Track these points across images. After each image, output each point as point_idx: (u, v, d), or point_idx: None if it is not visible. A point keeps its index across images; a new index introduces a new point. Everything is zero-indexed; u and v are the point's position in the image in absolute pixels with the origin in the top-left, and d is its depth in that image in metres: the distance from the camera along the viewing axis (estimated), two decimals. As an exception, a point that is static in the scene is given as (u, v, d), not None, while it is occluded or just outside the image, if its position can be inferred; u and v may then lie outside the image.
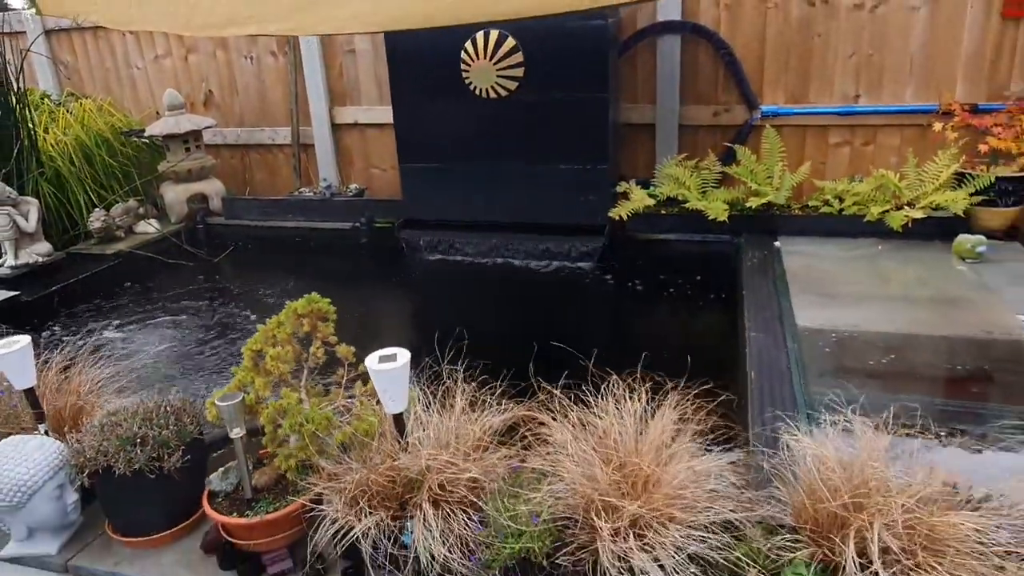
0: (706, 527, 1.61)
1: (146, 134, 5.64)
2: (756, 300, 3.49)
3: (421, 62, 4.58)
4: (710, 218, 4.26)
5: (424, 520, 1.69)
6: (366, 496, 1.75)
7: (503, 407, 1.92)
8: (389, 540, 1.73)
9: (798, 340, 3.00)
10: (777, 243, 4.22)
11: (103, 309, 4.29)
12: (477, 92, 4.51)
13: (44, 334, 3.89)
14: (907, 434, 1.66)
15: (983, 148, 4.08)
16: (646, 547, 1.55)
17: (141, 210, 5.43)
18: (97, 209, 5.15)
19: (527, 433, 1.86)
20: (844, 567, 1.46)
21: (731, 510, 1.66)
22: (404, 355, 1.75)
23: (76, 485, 2.01)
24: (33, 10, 5.48)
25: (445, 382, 1.99)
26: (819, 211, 4.36)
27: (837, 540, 1.50)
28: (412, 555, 1.69)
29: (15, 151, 4.92)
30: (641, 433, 1.76)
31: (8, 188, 4.55)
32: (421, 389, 1.98)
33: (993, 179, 4.00)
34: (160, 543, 2.00)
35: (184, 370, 3.46)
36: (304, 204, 5.55)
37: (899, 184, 4.17)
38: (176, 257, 5.06)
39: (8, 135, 4.94)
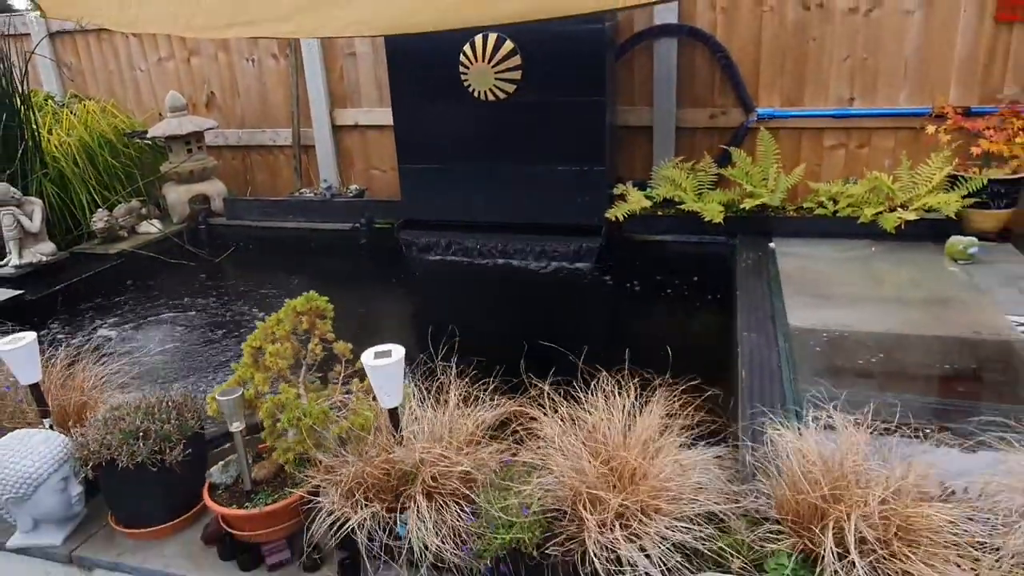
0: (691, 519, 1.66)
1: (149, 135, 5.70)
2: (749, 300, 3.54)
3: (420, 64, 4.64)
4: (706, 219, 4.31)
5: (418, 512, 1.74)
6: (362, 488, 1.80)
7: (496, 403, 1.97)
8: (384, 531, 1.78)
9: (790, 340, 3.05)
10: (772, 244, 4.27)
11: (106, 308, 4.35)
12: (476, 94, 4.57)
13: (48, 332, 3.95)
14: (886, 430, 1.71)
15: (975, 151, 4.12)
16: (631, 537, 1.60)
17: (143, 210, 5.49)
18: (100, 209, 5.21)
19: (519, 428, 1.92)
20: (823, 557, 1.51)
21: (716, 502, 1.71)
22: (399, 351, 1.81)
23: (80, 478, 2.06)
24: (37, 12, 5.53)
25: (440, 378, 2.04)
26: (813, 213, 4.41)
27: (817, 531, 1.55)
28: (406, 546, 1.74)
29: (19, 152, 4.98)
30: (629, 428, 1.81)
31: (13, 188, 4.61)
32: (416, 385, 2.03)
33: (985, 181, 4.05)
34: (162, 534, 2.05)
35: (185, 367, 3.52)
36: (305, 205, 5.60)
37: (892, 186, 4.22)
38: (178, 257, 5.12)
39: (13, 136, 5.00)
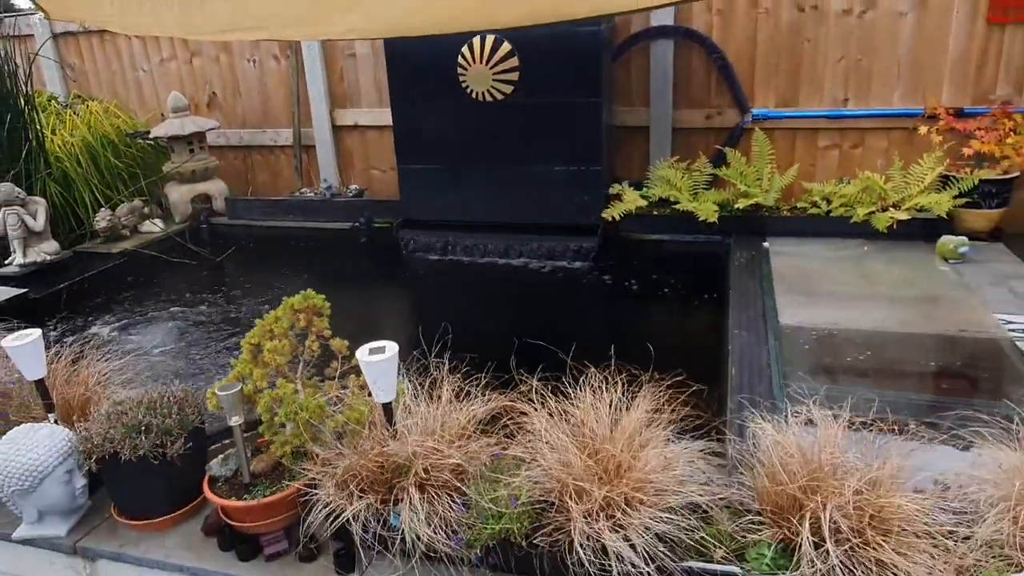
0: (675, 510, 1.71)
1: (151, 135, 5.77)
2: (742, 299, 3.59)
3: (419, 66, 4.69)
4: (700, 219, 4.36)
5: (411, 503, 1.80)
6: (357, 481, 1.86)
7: (487, 398, 2.02)
8: (378, 522, 1.84)
9: (780, 337, 3.11)
10: (766, 243, 4.32)
11: (109, 306, 4.41)
12: (474, 95, 4.62)
13: (52, 330, 4.01)
14: (864, 424, 1.76)
15: (967, 151, 4.17)
16: (616, 528, 1.65)
17: (146, 210, 5.56)
18: (103, 209, 5.27)
19: (509, 422, 1.97)
20: (800, 546, 1.56)
21: (699, 494, 1.76)
22: (392, 348, 1.86)
23: (84, 470, 2.11)
24: (41, 14, 5.60)
25: (433, 375, 2.10)
26: (807, 212, 4.46)
27: (795, 521, 1.61)
28: (399, 536, 1.80)
29: (24, 152, 5.05)
30: (616, 422, 1.86)
31: (17, 188, 4.68)
32: (410, 381, 2.09)
33: (977, 182, 4.10)
34: (163, 526, 2.11)
35: (187, 363, 3.58)
36: (305, 204, 5.66)
37: (884, 186, 4.27)
38: (180, 256, 5.18)
39: (17, 137, 5.07)
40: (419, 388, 2.06)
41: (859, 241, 4.22)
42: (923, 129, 4.36)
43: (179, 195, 5.70)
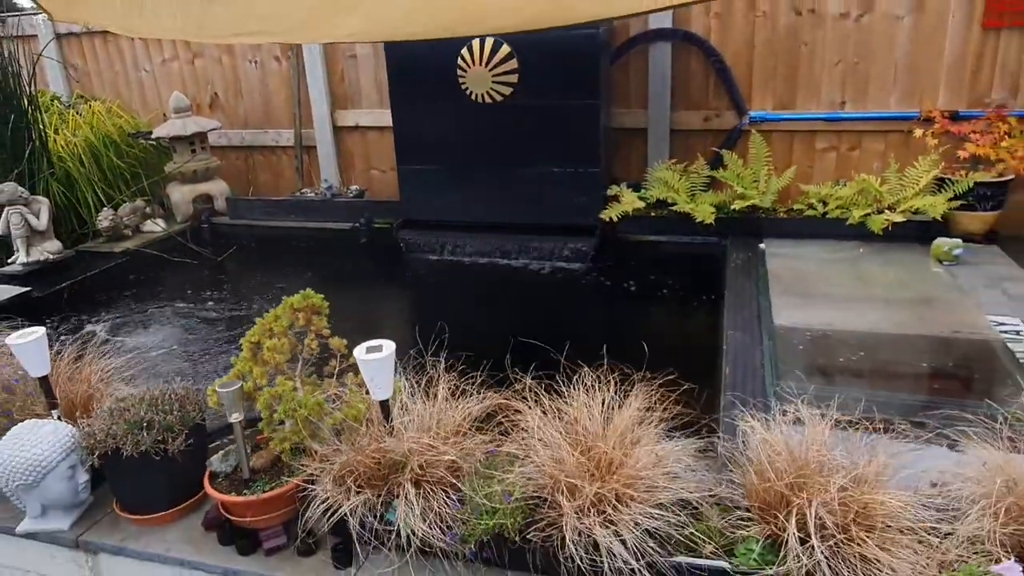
0: (665, 506, 1.75)
1: (153, 136, 5.81)
2: (737, 300, 3.63)
3: (419, 68, 4.73)
4: (697, 221, 4.40)
5: (407, 499, 1.83)
6: (354, 476, 1.90)
7: (483, 396, 2.06)
8: (375, 517, 1.87)
9: (774, 338, 3.14)
10: (762, 245, 4.35)
11: (111, 305, 4.46)
12: (473, 97, 4.66)
13: (55, 328, 4.05)
14: (850, 423, 1.79)
15: (962, 154, 4.20)
16: (607, 523, 1.69)
17: (148, 210, 5.60)
18: (105, 208, 5.32)
19: (504, 420, 2.01)
20: (786, 542, 1.60)
21: (690, 491, 1.80)
22: (389, 346, 1.90)
23: (87, 466, 2.15)
24: (45, 15, 5.64)
25: (430, 373, 2.13)
26: (803, 214, 4.50)
27: (782, 517, 1.64)
28: (395, 531, 1.84)
29: (27, 152, 5.09)
30: (609, 420, 1.90)
31: (20, 188, 4.72)
32: (407, 379, 2.12)
33: (972, 184, 4.13)
34: (164, 521, 2.15)
35: (188, 362, 3.62)
36: (306, 205, 5.71)
37: (880, 189, 4.31)
38: (181, 255, 5.22)
39: (20, 137, 5.11)
40: (416, 386, 2.09)
41: (855, 243, 4.25)
42: (919, 132, 4.40)
43: (181, 195, 5.74)
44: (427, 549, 1.83)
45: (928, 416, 1.98)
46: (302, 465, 1.97)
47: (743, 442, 1.86)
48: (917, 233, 4.19)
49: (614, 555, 1.66)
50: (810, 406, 1.85)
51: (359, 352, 1.90)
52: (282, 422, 2.03)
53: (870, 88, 4.63)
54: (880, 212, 4.25)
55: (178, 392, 2.22)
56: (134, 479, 2.12)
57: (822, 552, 1.53)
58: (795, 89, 4.77)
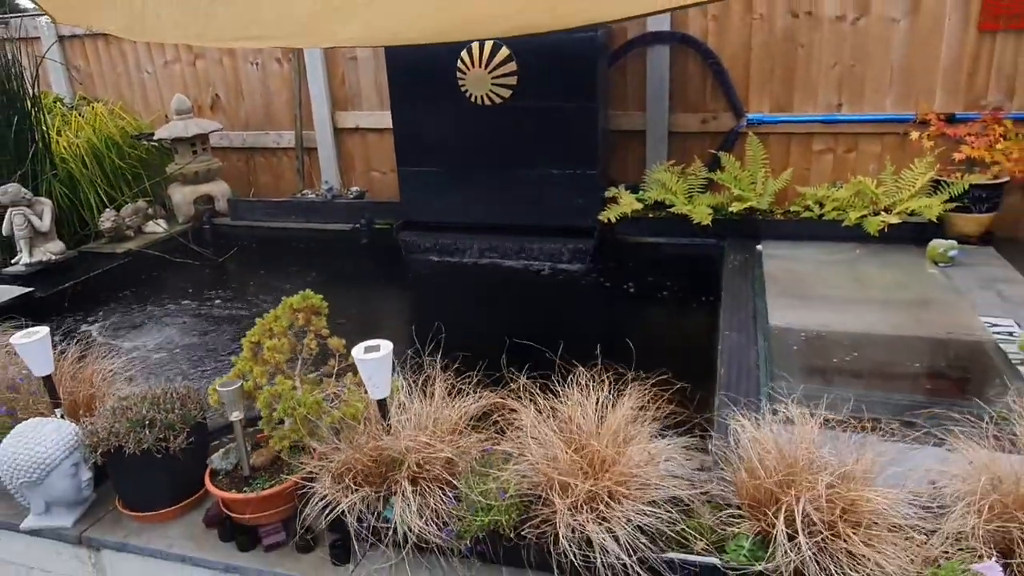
0: (657, 503, 1.78)
1: (155, 137, 5.85)
2: (734, 301, 3.66)
3: (419, 70, 4.77)
4: (694, 222, 4.43)
5: (403, 496, 1.87)
6: (352, 474, 1.93)
7: (479, 395, 2.10)
8: (372, 514, 1.91)
9: (769, 339, 3.17)
10: (759, 246, 4.38)
11: (113, 305, 4.50)
12: (473, 99, 4.70)
13: (57, 329, 4.09)
14: (841, 422, 1.83)
15: (958, 156, 4.23)
16: (600, 520, 1.72)
17: (150, 211, 5.64)
18: (108, 209, 5.36)
19: (500, 419, 2.04)
20: (775, 538, 1.63)
21: (681, 488, 1.83)
22: (387, 346, 1.94)
23: (90, 464, 2.19)
24: (47, 17, 5.68)
25: (428, 372, 2.17)
26: (800, 216, 4.53)
27: (771, 514, 1.67)
28: (393, 528, 1.87)
29: (30, 154, 5.13)
30: (602, 419, 1.93)
31: (23, 189, 4.76)
32: (405, 378, 2.16)
33: (967, 186, 4.16)
34: (166, 517, 2.18)
35: (189, 362, 3.66)
36: (306, 206, 5.74)
37: (876, 191, 4.34)
38: (183, 256, 5.26)
39: (23, 138, 5.15)
40: (413, 385, 2.13)
41: (851, 244, 4.28)
42: (915, 134, 4.42)
43: (182, 196, 5.78)
44: (423, 545, 1.87)
45: (917, 416, 2.01)
46: (301, 463, 2.01)
47: (734, 441, 1.89)
48: (913, 235, 4.21)
49: (607, 551, 1.70)
50: (800, 406, 1.89)
51: (357, 352, 1.94)
52: (282, 421, 2.07)
53: (866, 90, 4.66)
54: (876, 214, 4.28)
55: (179, 391, 2.26)
56: (136, 477, 2.16)
57: (809, 548, 1.56)
58: (792, 91, 4.80)
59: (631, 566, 1.69)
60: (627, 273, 4.55)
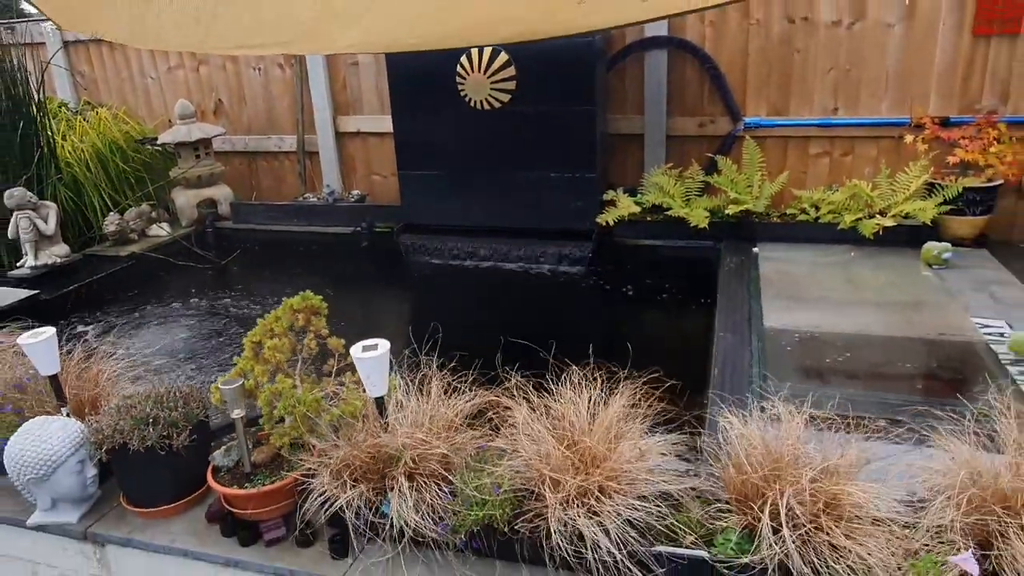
0: (647, 498, 1.83)
1: (159, 142, 5.91)
2: (729, 303, 3.70)
3: (419, 75, 4.83)
4: (691, 225, 4.48)
5: (400, 491, 1.92)
6: (350, 470, 1.98)
7: (474, 394, 2.15)
8: (370, 509, 1.96)
9: (763, 339, 3.22)
10: (755, 249, 4.43)
11: (118, 307, 4.55)
12: (472, 104, 4.75)
13: (62, 330, 4.14)
14: (826, 418, 1.87)
15: (952, 160, 4.28)
16: (590, 514, 1.77)
17: (153, 214, 5.70)
18: (112, 213, 5.42)
19: (494, 416, 2.09)
20: (760, 531, 1.68)
21: (671, 484, 1.88)
22: (384, 345, 1.99)
23: (95, 461, 2.24)
24: (53, 24, 5.76)
25: (424, 371, 2.22)
26: (796, 219, 4.57)
27: (756, 508, 1.72)
28: (390, 522, 1.92)
29: (35, 158, 5.19)
30: (594, 416, 1.98)
31: (29, 193, 4.81)
32: (403, 377, 2.21)
33: (961, 189, 4.20)
34: (169, 513, 2.23)
35: (192, 362, 3.71)
36: (308, 209, 5.80)
37: (871, 194, 4.38)
38: (186, 259, 5.32)
39: (29, 143, 5.21)
40: (410, 384, 2.18)
41: (846, 247, 4.32)
42: (909, 138, 4.47)
43: (186, 200, 5.85)
44: (420, 539, 1.92)
45: (904, 414, 2.05)
46: (301, 460, 2.06)
47: (722, 437, 1.94)
48: (907, 237, 4.26)
49: (599, 546, 1.74)
50: (788, 403, 1.93)
51: (355, 350, 1.99)
52: (282, 419, 2.12)
53: (862, 94, 4.70)
54: (871, 217, 4.33)
55: (182, 390, 2.31)
56: (140, 473, 2.21)
57: (792, 540, 1.61)
58: (788, 95, 4.85)
59: (621, 560, 1.74)
60: (625, 275, 4.60)
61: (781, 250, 4.39)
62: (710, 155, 4.96)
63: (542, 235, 4.88)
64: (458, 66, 4.68)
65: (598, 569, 1.74)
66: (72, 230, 5.43)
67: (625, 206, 4.71)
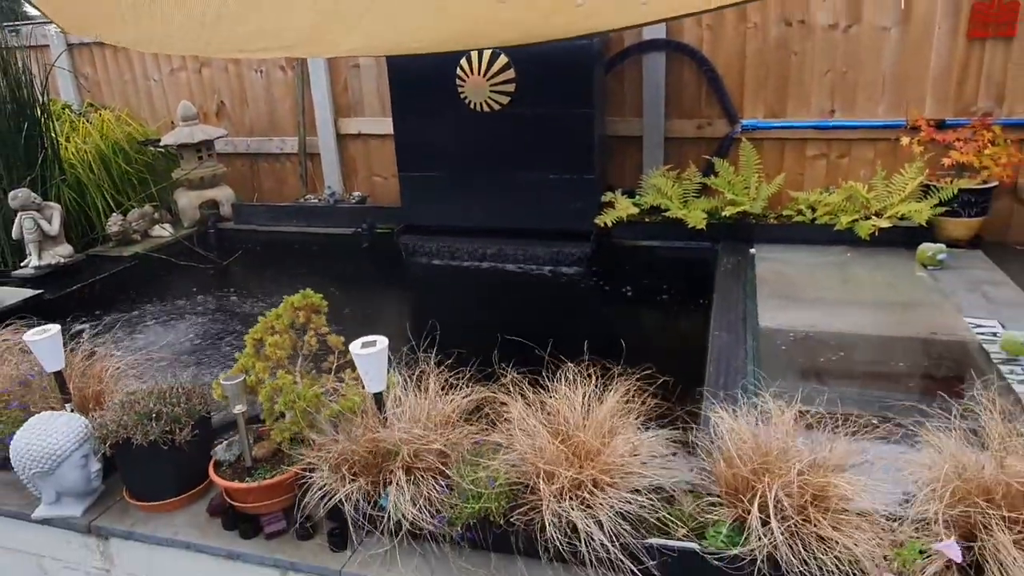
0: (640, 491, 1.87)
1: (161, 143, 5.96)
2: (725, 302, 3.74)
3: (420, 78, 4.87)
4: (689, 226, 4.51)
5: (398, 485, 1.96)
6: (349, 465, 2.02)
7: (471, 390, 2.18)
8: (368, 503, 2.00)
9: (758, 339, 3.26)
10: (752, 250, 4.46)
11: (121, 306, 4.60)
12: (472, 106, 4.80)
13: (66, 329, 4.18)
14: (816, 414, 1.91)
15: (947, 162, 4.31)
16: (584, 507, 1.81)
17: (156, 215, 5.74)
18: (115, 214, 5.47)
19: (491, 412, 2.13)
20: (750, 523, 1.71)
21: (663, 477, 1.92)
22: (383, 341, 2.03)
23: (99, 455, 2.28)
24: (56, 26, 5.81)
25: (423, 368, 2.26)
26: (792, 220, 4.61)
27: (746, 501, 1.76)
28: (388, 515, 1.96)
29: (40, 159, 5.24)
30: (589, 412, 2.02)
31: (33, 194, 4.86)
32: (401, 374, 2.25)
33: (956, 191, 4.24)
34: (171, 507, 2.28)
35: (194, 360, 3.76)
36: (310, 210, 5.85)
37: (867, 195, 4.42)
38: (188, 259, 5.36)
39: (33, 144, 5.26)
40: (408, 381, 2.22)
41: (842, 248, 4.36)
42: (905, 140, 4.50)
43: (188, 201, 5.89)
44: (417, 532, 1.96)
45: (893, 410, 2.09)
46: (301, 454, 2.10)
47: (714, 432, 1.98)
48: (903, 238, 4.29)
49: (592, 538, 1.78)
50: (779, 400, 1.97)
51: (355, 347, 2.03)
52: (282, 414, 2.16)
53: (858, 97, 4.74)
54: (867, 218, 4.36)
55: (185, 386, 2.35)
56: (143, 468, 2.25)
57: (780, 532, 1.64)
58: (786, 98, 4.89)
59: (613, 552, 1.78)
60: (623, 276, 4.64)
61: (778, 251, 4.42)
62: (708, 157, 5.00)
63: (541, 236, 4.92)
64: (458, 69, 4.72)
65: (591, 561, 1.78)
66: (75, 231, 5.48)
67: (623, 207, 4.75)
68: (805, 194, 4.69)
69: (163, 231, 5.70)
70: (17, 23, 6.82)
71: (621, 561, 1.77)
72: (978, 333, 3.21)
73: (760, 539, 1.68)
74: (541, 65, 4.58)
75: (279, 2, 2.91)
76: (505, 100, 4.72)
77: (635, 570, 1.78)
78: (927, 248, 4.05)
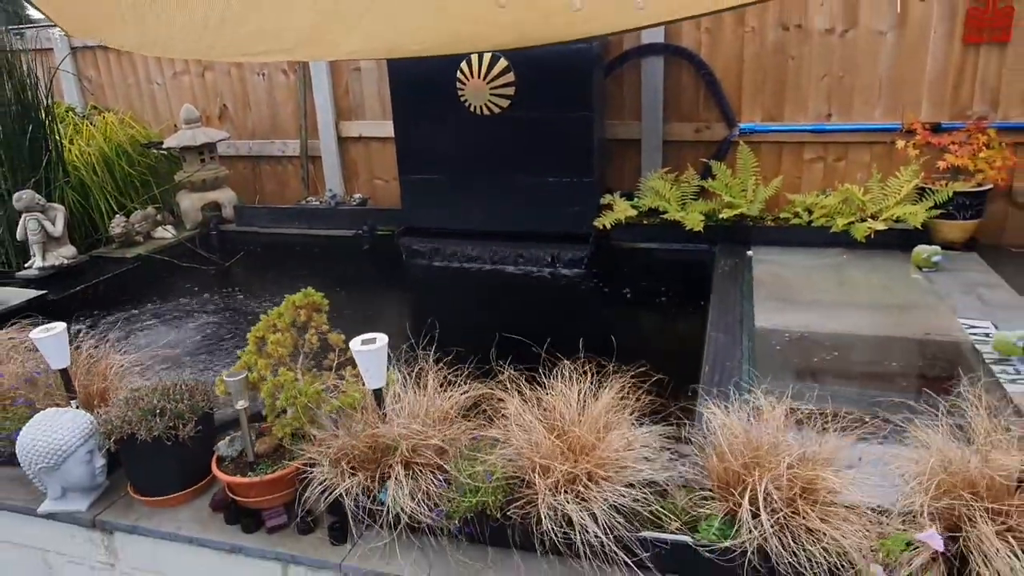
0: (634, 485, 1.90)
1: (164, 146, 6.02)
2: (722, 304, 3.78)
3: (420, 81, 4.92)
4: (687, 228, 4.55)
5: (397, 479, 2.00)
6: (349, 460, 2.07)
7: (469, 387, 2.23)
8: (368, 497, 2.04)
9: (753, 339, 3.30)
10: (749, 252, 4.50)
11: (124, 307, 4.64)
12: (472, 109, 4.84)
13: (70, 329, 4.22)
14: (807, 410, 1.95)
15: (942, 165, 4.35)
16: (579, 500, 1.85)
17: (159, 217, 5.79)
18: (118, 216, 5.52)
19: (488, 408, 2.17)
20: (740, 516, 1.75)
21: (658, 472, 1.96)
22: (382, 339, 2.07)
23: (104, 451, 2.32)
24: (60, 29, 5.86)
25: (422, 366, 2.30)
26: (789, 222, 4.65)
27: (737, 494, 1.80)
28: (387, 509, 2.00)
29: (44, 161, 5.29)
30: (585, 408, 2.06)
31: (37, 196, 4.91)
32: (400, 371, 2.29)
33: (951, 194, 4.28)
34: (175, 502, 2.32)
35: (196, 358, 3.80)
36: (311, 212, 5.90)
37: (863, 198, 4.46)
38: (191, 261, 5.41)
39: (37, 147, 5.31)
40: (408, 378, 2.26)
41: (838, 250, 4.40)
42: (900, 143, 4.55)
43: (190, 203, 5.94)
44: (416, 525, 1.99)
45: (883, 408, 2.12)
46: (302, 450, 2.14)
47: (707, 428, 2.02)
48: (899, 241, 4.33)
49: (586, 531, 1.82)
50: (771, 397, 2.01)
51: (355, 344, 2.07)
52: (284, 410, 2.20)
53: (855, 101, 4.79)
54: (863, 220, 4.40)
55: (188, 383, 2.40)
56: (147, 463, 2.29)
57: (770, 525, 1.68)
58: (783, 102, 4.93)
59: (608, 544, 1.81)
60: (621, 277, 4.68)
61: (775, 253, 4.46)
62: (706, 160, 5.04)
63: (541, 238, 4.96)
64: (458, 72, 4.77)
65: (586, 553, 1.82)
66: (79, 232, 5.53)
67: (622, 210, 4.79)
68: (802, 197, 4.74)
69: (165, 233, 5.75)
70: (22, 26, 6.88)
71: (615, 553, 1.81)
72: (971, 334, 3.24)
73: (751, 531, 1.72)
74: (541, 68, 4.63)
75: (279, 2, 2.95)
76: (505, 103, 4.76)
77: (629, 562, 1.82)
78: (922, 250, 4.09)
